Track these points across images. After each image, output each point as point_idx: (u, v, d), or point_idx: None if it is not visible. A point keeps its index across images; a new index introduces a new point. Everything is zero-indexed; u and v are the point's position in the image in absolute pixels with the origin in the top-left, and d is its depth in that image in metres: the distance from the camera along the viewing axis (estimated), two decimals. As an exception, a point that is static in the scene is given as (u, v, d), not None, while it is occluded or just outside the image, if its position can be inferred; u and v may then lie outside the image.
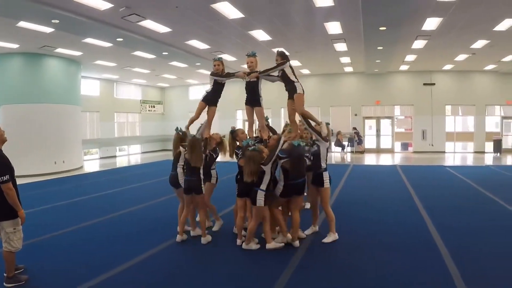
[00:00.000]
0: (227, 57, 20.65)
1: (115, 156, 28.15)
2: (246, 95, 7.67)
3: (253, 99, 7.51)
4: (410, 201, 10.42)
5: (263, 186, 6.52)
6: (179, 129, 7.77)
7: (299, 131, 7.60)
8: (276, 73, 7.28)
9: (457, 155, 25.37)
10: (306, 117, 7.11)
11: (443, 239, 6.96)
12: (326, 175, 7.03)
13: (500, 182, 13.46)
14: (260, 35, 16.24)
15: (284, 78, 7.12)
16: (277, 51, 7.36)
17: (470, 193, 11.69)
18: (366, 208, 9.71)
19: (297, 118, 7.41)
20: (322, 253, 6.48)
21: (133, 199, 11.32)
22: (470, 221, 8.18)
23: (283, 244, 6.66)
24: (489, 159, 22.48)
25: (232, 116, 30.12)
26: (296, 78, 7.14)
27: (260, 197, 6.44)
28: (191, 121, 8.01)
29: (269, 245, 6.54)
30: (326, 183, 6.99)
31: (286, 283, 5.24)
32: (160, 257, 6.39)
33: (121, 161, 25.12)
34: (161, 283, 5.38)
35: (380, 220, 8.54)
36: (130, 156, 29.38)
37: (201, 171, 7.22)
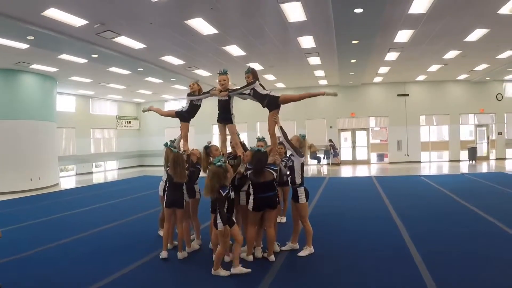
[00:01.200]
0: (202, 73, 20.85)
1: (91, 173, 27.94)
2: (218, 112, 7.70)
3: (225, 117, 7.57)
4: (385, 211, 10.58)
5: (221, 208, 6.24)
6: (168, 144, 7.80)
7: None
8: (247, 91, 7.30)
9: (432, 164, 25.78)
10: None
11: (416, 246, 7.12)
12: (301, 191, 7.01)
13: (474, 190, 13.74)
14: (234, 50, 16.44)
15: (256, 96, 7.14)
16: (248, 68, 7.34)
17: (444, 201, 11.90)
18: (342, 219, 9.84)
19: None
20: (298, 265, 6.56)
21: (110, 216, 11.26)
22: (443, 229, 8.36)
23: (249, 270, 6.27)
24: (464, 167, 22.91)
25: (208, 131, 30.17)
26: (266, 90, 7.16)
27: (219, 220, 6.17)
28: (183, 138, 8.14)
29: (234, 270, 6.22)
30: (302, 199, 6.98)
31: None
32: (135, 274, 6.38)
33: (98, 178, 24.94)
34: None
35: (356, 230, 8.67)
36: (106, 172, 29.20)
37: (184, 187, 7.30)
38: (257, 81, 7.21)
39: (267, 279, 5.92)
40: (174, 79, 22.49)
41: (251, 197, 6.71)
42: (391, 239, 7.75)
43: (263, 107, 7.17)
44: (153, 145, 31.45)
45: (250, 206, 6.72)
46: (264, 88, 7.16)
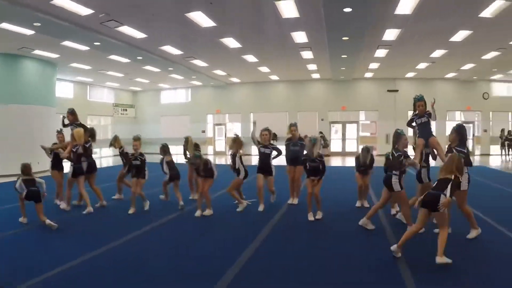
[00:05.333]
0: (199, 63, 21.56)
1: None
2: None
3: None
4: (368, 198, 11.03)
5: None
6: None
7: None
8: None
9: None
10: None
11: (392, 227, 7.86)
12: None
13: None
14: (231, 42, 17.14)
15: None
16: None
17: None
18: (329, 204, 10.30)
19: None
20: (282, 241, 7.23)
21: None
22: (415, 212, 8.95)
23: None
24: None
25: (203, 120, 30.91)
26: None
27: None
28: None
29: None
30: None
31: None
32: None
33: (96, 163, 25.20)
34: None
35: (340, 214, 9.25)
36: (101, 158, 29.73)
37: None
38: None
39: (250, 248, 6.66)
40: (171, 69, 23.15)
41: None
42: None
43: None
44: (149, 133, 31.80)
45: None
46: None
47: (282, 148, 10.25)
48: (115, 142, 11.26)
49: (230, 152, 10.07)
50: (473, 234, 6.81)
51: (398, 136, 7.32)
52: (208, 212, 9.03)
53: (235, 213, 9.37)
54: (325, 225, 8.18)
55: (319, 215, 8.61)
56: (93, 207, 9.42)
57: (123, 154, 10.90)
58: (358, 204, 10.00)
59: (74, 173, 9.57)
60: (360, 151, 10.16)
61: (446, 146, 7.55)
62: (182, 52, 19.09)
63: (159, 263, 5.85)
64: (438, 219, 5.89)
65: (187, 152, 11.08)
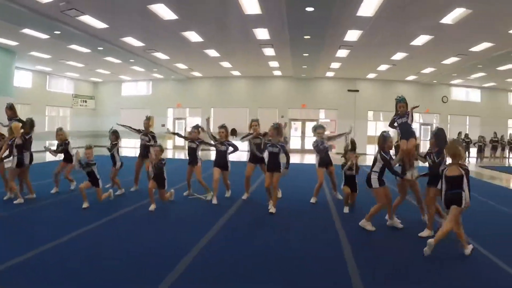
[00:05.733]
0: (160, 55, 21.46)
1: (44, 151, 27.69)
2: None
3: None
4: (322, 194, 11.18)
5: None
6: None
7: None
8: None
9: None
10: None
11: (342, 221, 8.13)
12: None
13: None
14: (193, 36, 17.14)
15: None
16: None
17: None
18: (286, 200, 10.43)
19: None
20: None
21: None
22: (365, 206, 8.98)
23: None
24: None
25: (164, 114, 30.75)
26: None
27: None
28: None
29: None
30: None
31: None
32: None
33: (51, 156, 24.77)
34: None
35: (295, 209, 9.40)
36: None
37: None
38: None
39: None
40: (133, 61, 22.94)
41: None
42: (322, 215, 8.81)
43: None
44: (109, 126, 31.13)
45: None
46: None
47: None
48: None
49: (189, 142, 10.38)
50: (425, 233, 7.09)
51: (385, 139, 7.62)
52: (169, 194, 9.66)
53: (188, 205, 9.59)
54: (282, 220, 8.28)
55: (272, 209, 8.77)
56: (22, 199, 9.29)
57: (63, 147, 10.91)
58: (312, 200, 10.20)
59: (18, 164, 9.42)
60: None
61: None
62: (144, 44, 18.97)
63: (111, 257, 5.81)
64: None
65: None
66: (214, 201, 9.64)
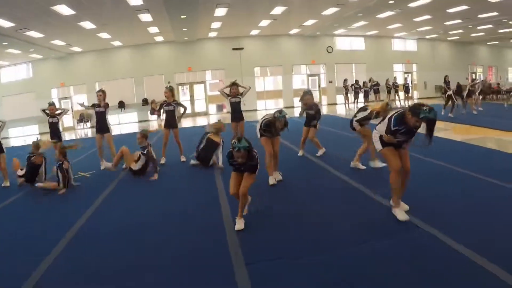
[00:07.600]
0: (34, 34, 20.01)
1: None
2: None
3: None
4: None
5: None
6: None
7: None
8: None
9: (268, 112, 27.54)
10: None
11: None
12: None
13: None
14: (64, 9, 16.14)
15: None
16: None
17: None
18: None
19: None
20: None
21: None
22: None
23: None
24: (297, 112, 24.93)
25: (48, 95, 29.16)
26: None
27: None
28: None
29: None
30: None
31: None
32: None
33: None
34: None
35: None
36: None
37: None
38: None
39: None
40: (6, 43, 21.10)
41: None
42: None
43: None
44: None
45: None
46: None
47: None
48: None
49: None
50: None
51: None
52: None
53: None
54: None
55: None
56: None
57: None
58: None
59: None
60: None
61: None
62: (14, 24, 17.40)
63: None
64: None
65: None
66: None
